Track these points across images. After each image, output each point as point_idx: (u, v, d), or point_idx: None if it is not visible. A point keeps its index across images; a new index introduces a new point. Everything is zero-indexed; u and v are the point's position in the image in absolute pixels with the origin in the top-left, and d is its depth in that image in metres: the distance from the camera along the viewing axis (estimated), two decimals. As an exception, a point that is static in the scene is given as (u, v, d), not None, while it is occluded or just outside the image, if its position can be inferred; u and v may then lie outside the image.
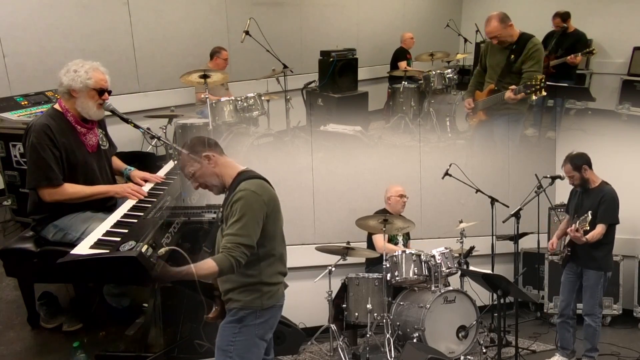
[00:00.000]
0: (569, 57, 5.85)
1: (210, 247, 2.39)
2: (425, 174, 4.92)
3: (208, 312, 2.45)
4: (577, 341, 3.90)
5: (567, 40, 6.11)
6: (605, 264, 3.70)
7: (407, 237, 4.53)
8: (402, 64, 7.18)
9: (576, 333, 3.90)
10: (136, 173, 3.31)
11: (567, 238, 3.75)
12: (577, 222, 3.56)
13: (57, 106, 2.94)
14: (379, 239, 4.15)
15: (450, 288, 3.91)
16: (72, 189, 2.87)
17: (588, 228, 3.51)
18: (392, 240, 4.40)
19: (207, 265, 2.13)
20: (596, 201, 3.65)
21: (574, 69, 6.18)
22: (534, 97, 4.03)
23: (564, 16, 6.23)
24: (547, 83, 5.81)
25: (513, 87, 4.08)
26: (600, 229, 3.60)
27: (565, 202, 4.07)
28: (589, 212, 3.48)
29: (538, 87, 3.94)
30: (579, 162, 3.69)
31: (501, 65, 4.31)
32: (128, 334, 3.24)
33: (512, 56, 4.22)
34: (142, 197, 3.04)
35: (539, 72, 4.13)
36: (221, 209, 2.37)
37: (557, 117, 6.30)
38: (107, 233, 2.63)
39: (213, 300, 2.42)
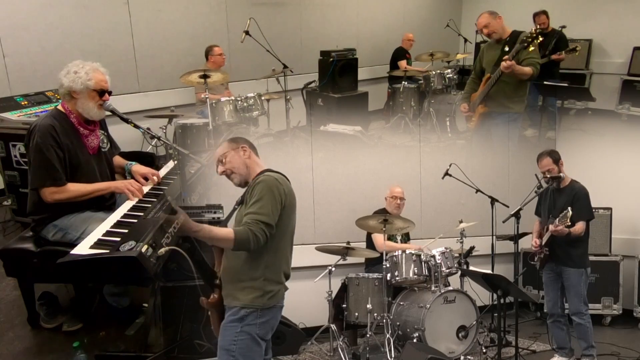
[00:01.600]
0: (554, 55, 5.91)
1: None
2: (425, 174, 4.92)
3: (206, 296, 2.45)
4: (574, 340, 3.90)
5: (548, 40, 6.13)
6: (583, 261, 3.74)
7: (406, 237, 4.53)
8: (402, 63, 7.18)
9: (570, 331, 3.90)
10: (137, 168, 3.30)
11: (545, 239, 3.78)
12: (557, 219, 3.58)
13: (60, 107, 2.94)
14: (379, 238, 4.15)
15: (450, 288, 3.91)
16: (74, 187, 2.87)
17: (570, 223, 3.54)
18: (390, 239, 4.40)
19: (225, 230, 2.19)
20: (569, 199, 3.69)
21: (557, 68, 6.21)
22: (531, 49, 4.03)
23: (547, 14, 6.26)
24: (545, 83, 5.87)
25: (506, 57, 4.10)
26: (581, 225, 3.65)
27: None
28: (569, 208, 3.51)
29: (534, 35, 3.97)
30: (557, 157, 3.77)
31: (496, 58, 4.35)
32: (128, 334, 3.24)
33: (507, 48, 4.26)
34: (140, 196, 3.03)
35: (537, 59, 4.21)
36: (242, 195, 2.45)
37: (556, 117, 6.30)
38: (107, 233, 2.62)
39: (212, 288, 2.42)
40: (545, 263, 3.86)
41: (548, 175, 3.79)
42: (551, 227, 3.62)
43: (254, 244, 2.19)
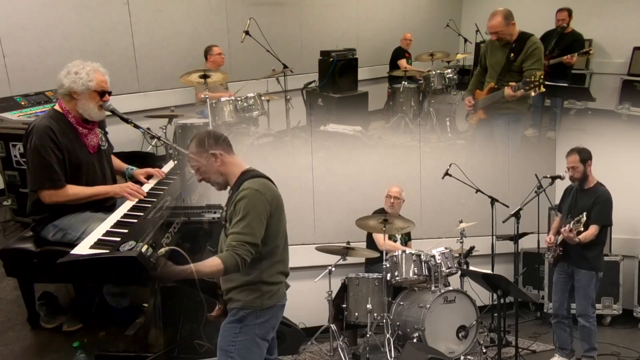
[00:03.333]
0: (565, 57, 5.85)
1: (214, 246, 2.40)
2: (425, 174, 4.92)
3: (210, 310, 2.44)
4: (576, 341, 3.89)
5: (564, 41, 6.10)
6: (596, 264, 3.71)
7: (407, 237, 4.53)
8: (402, 62, 7.19)
9: (573, 332, 3.90)
10: (138, 172, 3.31)
11: (560, 237, 3.76)
12: (572, 222, 3.57)
13: (57, 107, 2.93)
14: (380, 237, 4.15)
15: (450, 288, 3.91)
16: (73, 190, 2.87)
17: (582, 229, 3.53)
18: (390, 239, 4.39)
19: (212, 263, 2.12)
20: (590, 201, 3.66)
21: (569, 69, 6.16)
22: (532, 94, 4.04)
23: (570, 12, 6.19)
24: (546, 82, 5.87)
25: (512, 83, 4.10)
26: (593, 229, 3.61)
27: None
28: (584, 214, 3.49)
29: (537, 83, 3.96)
30: (586, 156, 3.71)
31: (501, 64, 4.32)
32: (128, 334, 3.24)
33: (512, 55, 4.22)
34: (141, 197, 3.04)
35: (539, 70, 4.15)
36: (224, 209, 2.38)
37: (557, 117, 6.30)
38: (107, 233, 2.63)
39: (216, 299, 2.42)
40: (557, 261, 3.84)
41: (548, 176, 3.79)
42: (566, 227, 3.60)
43: (242, 266, 2.16)
